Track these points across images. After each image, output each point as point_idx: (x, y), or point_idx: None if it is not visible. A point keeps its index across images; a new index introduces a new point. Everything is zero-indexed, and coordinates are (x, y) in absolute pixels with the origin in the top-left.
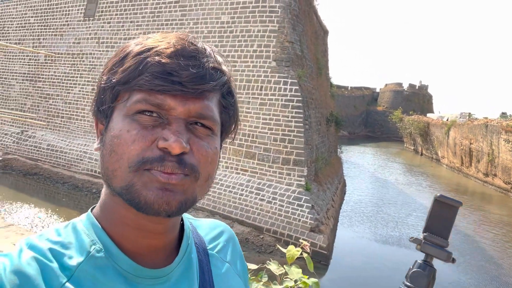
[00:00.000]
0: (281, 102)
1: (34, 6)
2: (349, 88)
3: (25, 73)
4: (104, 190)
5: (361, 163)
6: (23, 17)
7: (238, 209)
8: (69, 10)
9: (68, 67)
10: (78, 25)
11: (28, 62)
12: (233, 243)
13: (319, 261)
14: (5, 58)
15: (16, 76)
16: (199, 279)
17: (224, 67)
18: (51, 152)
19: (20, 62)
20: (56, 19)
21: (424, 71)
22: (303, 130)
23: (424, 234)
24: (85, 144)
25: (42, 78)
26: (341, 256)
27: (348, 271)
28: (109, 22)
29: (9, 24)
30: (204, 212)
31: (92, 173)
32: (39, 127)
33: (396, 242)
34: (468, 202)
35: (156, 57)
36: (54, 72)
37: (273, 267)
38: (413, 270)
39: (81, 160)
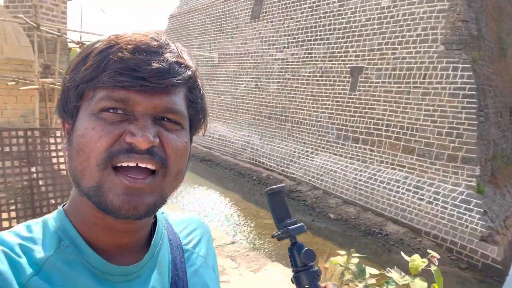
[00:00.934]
0: (448, 91)
1: (211, 14)
2: None
3: (204, 73)
4: (73, 189)
5: None
6: (203, 24)
7: (393, 207)
8: (238, 14)
9: (236, 66)
10: (246, 27)
11: (206, 64)
12: (207, 238)
13: (491, 276)
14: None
15: None
16: (171, 276)
17: (189, 62)
18: (221, 141)
19: (201, 63)
20: (228, 23)
21: None
22: (476, 122)
23: (282, 226)
24: (248, 135)
25: (216, 76)
26: None
27: None
28: (271, 21)
29: (192, 31)
30: (356, 206)
31: (253, 161)
32: (214, 119)
33: None
34: None
35: (119, 54)
36: (226, 70)
37: (395, 275)
38: (302, 252)
39: (245, 149)
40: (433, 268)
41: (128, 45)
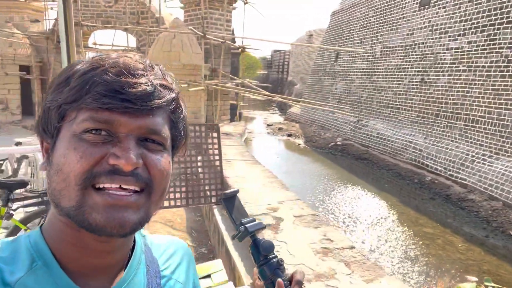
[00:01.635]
0: None
1: (374, 6)
2: None
3: (363, 69)
4: (51, 208)
5: None
6: (365, 18)
7: None
8: (405, 3)
9: (400, 59)
10: (413, 16)
11: (367, 59)
12: (187, 262)
13: None
14: (349, 57)
15: (356, 72)
16: None
17: (172, 84)
18: (380, 140)
19: (361, 59)
20: (393, 14)
21: None
22: None
23: (239, 226)
24: (411, 134)
25: (377, 71)
26: None
27: None
28: (444, 7)
29: (354, 26)
30: None
31: (416, 163)
32: (372, 117)
33: None
34: None
35: (103, 76)
36: (388, 65)
37: None
38: (260, 244)
39: (406, 149)
40: None
41: (113, 67)
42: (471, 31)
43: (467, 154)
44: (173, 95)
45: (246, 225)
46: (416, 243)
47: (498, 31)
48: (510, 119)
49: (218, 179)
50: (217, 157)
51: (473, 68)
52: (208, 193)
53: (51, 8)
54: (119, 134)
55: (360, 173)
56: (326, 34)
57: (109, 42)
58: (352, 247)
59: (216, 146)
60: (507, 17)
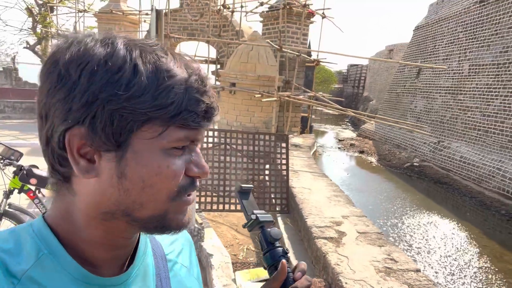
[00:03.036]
0: None
1: (464, 21)
2: None
3: (448, 87)
4: (76, 207)
5: None
6: (452, 33)
7: None
8: (500, 18)
9: (491, 78)
10: (508, 32)
11: (452, 76)
12: (190, 248)
13: None
14: (432, 73)
15: (439, 90)
16: (155, 286)
17: None
18: (463, 164)
19: (446, 76)
20: (485, 30)
21: None
22: None
23: (251, 214)
24: (500, 160)
25: (464, 90)
26: None
27: None
28: None
29: (439, 42)
30: None
31: (504, 192)
32: (456, 139)
33: None
34: None
35: (196, 94)
36: (476, 84)
37: None
38: (270, 230)
39: (493, 176)
40: None
41: (197, 82)
42: None
43: None
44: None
45: (258, 215)
46: (499, 279)
47: None
48: None
49: (284, 188)
50: (284, 167)
51: None
52: (274, 201)
53: (144, 21)
54: (193, 146)
55: (438, 198)
56: (408, 49)
57: (192, 52)
58: (418, 270)
59: (284, 156)
60: None
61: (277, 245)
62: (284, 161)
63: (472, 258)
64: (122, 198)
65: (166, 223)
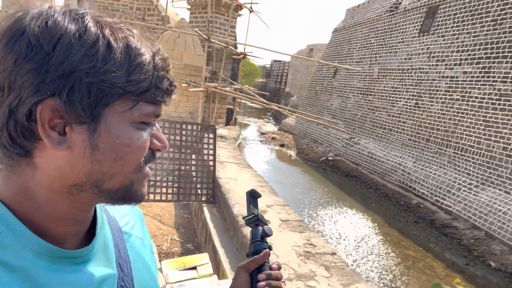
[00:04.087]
0: None
1: (376, 28)
2: None
3: (360, 87)
4: (36, 182)
5: None
6: (366, 38)
7: None
8: (406, 28)
9: (396, 82)
10: (412, 41)
11: (364, 78)
12: (141, 220)
13: None
14: (347, 74)
15: (353, 90)
16: (115, 257)
17: None
18: (370, 159)
19: (358, 78)
20: (393, 37)
21: None
22: None
23: (253, 211)
24: (401, 157)
25: (373, 92)
26: None
27: None
28: (443, 36)
29: (354, 45)
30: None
31: (404, 186)
32: (365, 136)
33: None
34: None
35: (162, 72)
36: (384, 86)
37: None
38: (264, 227)
39: (395, 171)
40: None
41: (162, 60)
42: (467, 61)
43: (454, 182)
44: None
45: (258, 213)
46: (397, 264)
47: (493, 64)
48: (498, 151)
49: (210, 178)
50: (211, 157)
51: (466, 98)
52: (200, 191)
53: None
54: (153, 120)
55: (348, 190)
56: (327, 49)
57: None
58: (334, 253)
59: (211, 147)
60: (503, 52)
61: (265, 240)
62: (211, 152)
63: (376, 244)
64: (94, 170)
65: (131, 194)
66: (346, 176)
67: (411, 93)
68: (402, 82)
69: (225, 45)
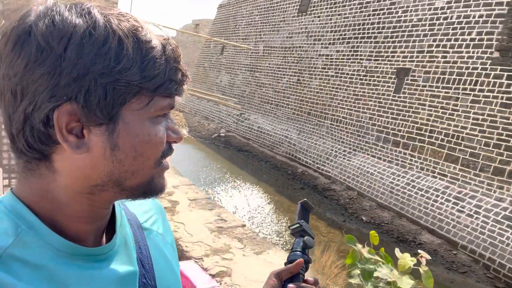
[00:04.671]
0: (500, 101)
1: (259, 6)
2: None
3: (247, 64)
4: (56, 185)
5: None
6: (250, 15)
7: (430, 216)
8: (286, 7)
9: (280, 59)
10: (292, 21)
11: (250, 55)
12: (163, 217)
13: None
14: (235, 51)
15: (240, 67)
16: (136, 254)
17: None
18: (260, 133)
19: (245, 55)
20: (275, 16)
21: None
22: None
23: (301, 222)
24: (287, 130)
25: (259, 68)
26: None
27: None
28: (318, 16)
29: (239, 22)
30: (390, 211)
31: (290, 156)
32: (254, 111)
33: None
34: None
35: (174, 64)
36: (269, 64)
37: (385, 270)
38: (305, 238)
39: (282, 143)
40: (423, 268)
41: (173, 52)
42: (339, 41)
43: (332, 150)
44: None
45: (303, 225)
46: (288, 228)
47: (360, 44)
48: (366, 121)
49: None
50: None
51: (339, 74)
52: None
53: None
54: (168, 112)
55: (241, 164)
56: (213, 26)
57: None
58: (244, 225)
59: None
60: (367, 33)
61: (306, 252)
62: None
63: (270, 211)
64: (115, 169)
65: (152, 188)
66: (239, 151)
67: (293, 70)
68: (285, 59)
69: None
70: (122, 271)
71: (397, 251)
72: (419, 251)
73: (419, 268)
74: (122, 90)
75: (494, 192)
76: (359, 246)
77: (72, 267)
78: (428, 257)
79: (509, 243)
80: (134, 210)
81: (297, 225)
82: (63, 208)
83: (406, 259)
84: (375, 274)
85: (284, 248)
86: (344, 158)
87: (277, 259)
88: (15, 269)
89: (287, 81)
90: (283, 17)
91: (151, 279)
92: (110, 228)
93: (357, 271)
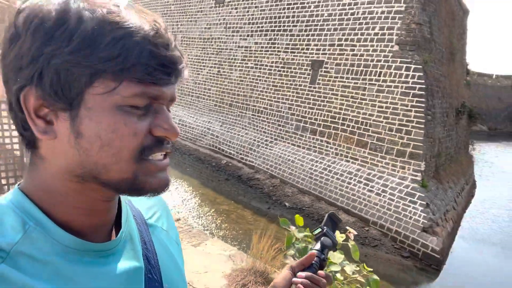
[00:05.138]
0: (400, 90)
1: None
2: (494, 77)
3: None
4: (48, 174)
5: (500, 164)
6: (165, 5)
7: (345, 198)
8: None
9: (199, 50)
10: (210, 12)
11: None
12: (167, 213)
13: (430, 265)
14: None
15: None
16: (141, 250)
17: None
18: (182, 126)
19: None
20: (192, 6)
21: None
22: (423, 121)
23: (324, 227)
24: (209, 122)
25: None
26: (457, 265)
27: (463, 281)
28: (236, 8)
29: (154, 12)
30: (311, 196)
31: (213, 148)
32: (175, 104)
33: None
34: None
35: (149, 46)
36: (188, 55)
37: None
38: (321, 242)
39: (205, 136)
40: (351, 243)
41: (155, 37)
42: (257, 33)
43: (254, 140)
44: (184, 61)
45: (326, 230)
46: (215, 219)
47: (277, 36)
48: (285, 111)
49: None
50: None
51: (258, 66)
52: None
53: None
54: (159, 104)
55: None
56: None
57: None
58: (178, 219)
59: None
60: (283, 26)
61: (324, 252)
62: None
63: (196, 203)
64: (83, 159)
65: (140, 186)
66: None
67: (213, 62)
68: (205, 51)
69: None
70: (128, 267)
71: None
72: (347, 227)
73: (348, 243)
74: (75, 71)
75: (398, 172)
76: (293, 228)
77: (78, 263)
78: (355, 232)
79: (412, 217)
80: (138, 206)
81: (319, 229)
82: (61, 199)
83: (337, 236)
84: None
85: (222, 239)
86: (266, 148)
87: (216, 249)
88: (23, 265)
89: (207, 72)
90: (200, 8)
91: (157, 274)
92: (117, 223)
93: (292, 251)
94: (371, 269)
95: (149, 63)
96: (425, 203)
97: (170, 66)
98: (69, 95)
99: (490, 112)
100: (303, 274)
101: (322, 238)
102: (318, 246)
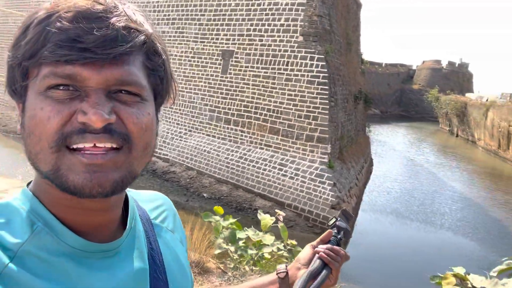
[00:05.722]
0: (306, 78)
1: None
2: (383, 65)
3: None
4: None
5: (391, 143)
6: None
7: (261, 184)
8: None
9: None
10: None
11: None
12: (173, 213)
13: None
14: None
15: None
16: (147, 249)
17: (142, 25)
18: None
19: None
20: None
21: (465, 48)
22: (328, 107)
23: (337, 217)
24: None
25: None
26: (362, 235)
27: (368, 249)
28: None
29: None
30: (228, 185)
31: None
32: None
33: (420, 221)
34: (503, 188)
35: (57, 24)
36: None
37: (250, 233)
38: (340, 224)
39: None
40: (280, 225)
41: (67, 13)
42: (164, 22)
43: (168, 133)
44: (142, 37)
45: (338, 220)
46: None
47: (185, 25)
48: (198, 102)
49: None
50: None
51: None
52: None
53: None
54: (86, 88)
55: None
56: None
57: None
58: None
59: None
60: (191, 15)
61: (340, 233)
62: None
63: None
64: (25, 150)
65: (62, 181)
66: None
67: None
68: None
69: None
70: (134, 266)
71: (259, 214)
72: (276, 210)
73: (277, 225)
74: (11, 65)
75: (308, 155)
76: (217, 217)
77: (84, 264)
78: (284, 214)
79: (321, 196)
80: (144, 206)
81: (334, 219)
82: (53, 195)
83: (267, 219)
84: (242, 236)
85: None
86: (181, 140)
87: None
88: (30, 265)
89: None
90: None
91: (162, 274)
92: (124, 223)
93: (220, 240)
94: (296, 242)
95: (54, 41)
96: (332, 182)
97: (80, 40)
98: (16, 88)
99: (382, 97)
100: (324, 246)
101: (337, 223)
102: (334, 230)
